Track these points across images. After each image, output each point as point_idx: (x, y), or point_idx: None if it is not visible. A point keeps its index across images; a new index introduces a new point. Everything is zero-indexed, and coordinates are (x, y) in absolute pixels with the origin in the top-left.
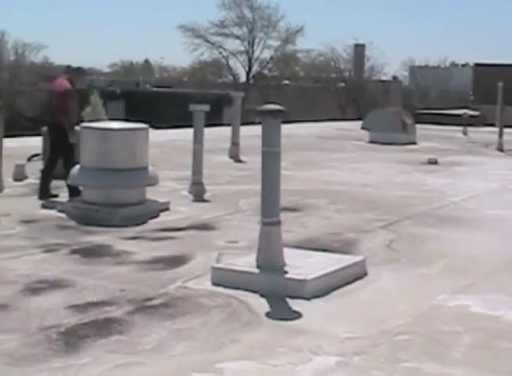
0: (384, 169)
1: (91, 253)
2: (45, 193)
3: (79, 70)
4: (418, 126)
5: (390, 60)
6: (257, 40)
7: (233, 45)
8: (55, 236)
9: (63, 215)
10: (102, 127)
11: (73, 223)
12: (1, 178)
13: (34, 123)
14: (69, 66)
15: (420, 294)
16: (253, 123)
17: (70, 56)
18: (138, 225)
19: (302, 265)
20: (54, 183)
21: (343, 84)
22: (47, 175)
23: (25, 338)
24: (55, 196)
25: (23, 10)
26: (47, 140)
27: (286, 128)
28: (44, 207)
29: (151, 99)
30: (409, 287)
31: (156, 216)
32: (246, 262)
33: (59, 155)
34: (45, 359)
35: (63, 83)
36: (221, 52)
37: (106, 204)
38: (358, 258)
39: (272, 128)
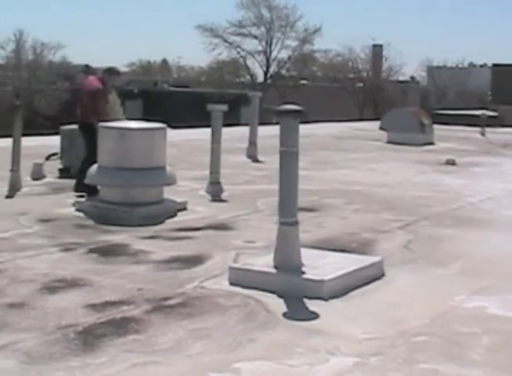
0: (401, 169)
1: (109, 252)
2: (82, 188)
3: (110, 70)
4: (436, 127)
5: (408, 61)
6: (274, 40)
7: (251, 44)
8: (72, 235)
9: (80, 214)
10: (120, 126)
11: (90, 222)
12: (19, 177)
13: (52, 122)
14: (87, 66)
15: (438, 295)
16: (270, 123)
17: (89, 56)
18: (155, 224)
19: (319, 266)
20: (71, 182)
21: (361, 85)
22: (84, 172)
23: (42, 337)
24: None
25: (41, 10)
26: (65, 139)
27: (303, 128)
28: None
29: (169, 99)
30: (426, 288)
31: (174, 216)
32: (264, 262)
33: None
34: (63, 358)
35: (94, 83)
36: (239, 52)
37: (124, 204)
38: (376, 258)
39: (290, 128)
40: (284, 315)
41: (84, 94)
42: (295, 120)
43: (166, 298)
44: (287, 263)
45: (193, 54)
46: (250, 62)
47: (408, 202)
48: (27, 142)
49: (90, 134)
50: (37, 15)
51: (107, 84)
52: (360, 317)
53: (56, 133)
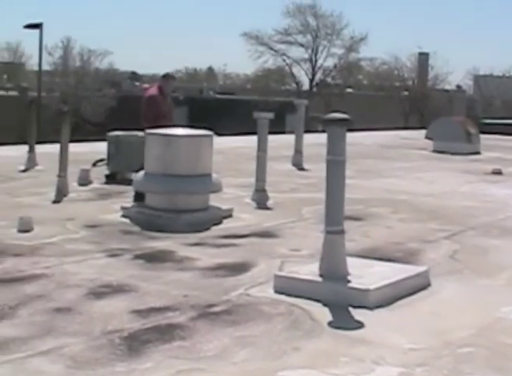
0: (447, 179)
1: (155, 258)
2: (140, 198)
3: (166, 76)
4: (482, 136)
5: (454, 69)
6: (320, 48)
7: (297, 52)
8: (118, 241)
9: (126, 220)
10: (168, 133)
11: (136, 228)
12: (67, 182)
13: (99, 128)
14: (134, 73)
15: (484, 306)
16: (316, 131)
17: (135, 63)
18: (201, 231)
19: (365, 275)
20: (117, 188)
21: (406, 93)
22: None
23: (88, 342)
24: None
25: (88, 17)
26: (112, 145)
27: (349, 137)
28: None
29: (214, 106)
30: (472, 299)
31: (219, 223)
32: (309, 271)
33: None
34: (108, 363)
35: (150, 90)
36: (284, 60)
37: (170, 210)
38: (422, 268)
39: (337, 137)
40: (329, 324)
41: (142, 102)
42: (342, 128)
43: (211, 305)
44: (333, 272)
45: (239, 62)
46: (295, 70)
47: (454, 212)
48: (74, 147)
49: None
50: (84, 22)
51: (165, 89)
52: (405, 327)
53: (103, 139)
